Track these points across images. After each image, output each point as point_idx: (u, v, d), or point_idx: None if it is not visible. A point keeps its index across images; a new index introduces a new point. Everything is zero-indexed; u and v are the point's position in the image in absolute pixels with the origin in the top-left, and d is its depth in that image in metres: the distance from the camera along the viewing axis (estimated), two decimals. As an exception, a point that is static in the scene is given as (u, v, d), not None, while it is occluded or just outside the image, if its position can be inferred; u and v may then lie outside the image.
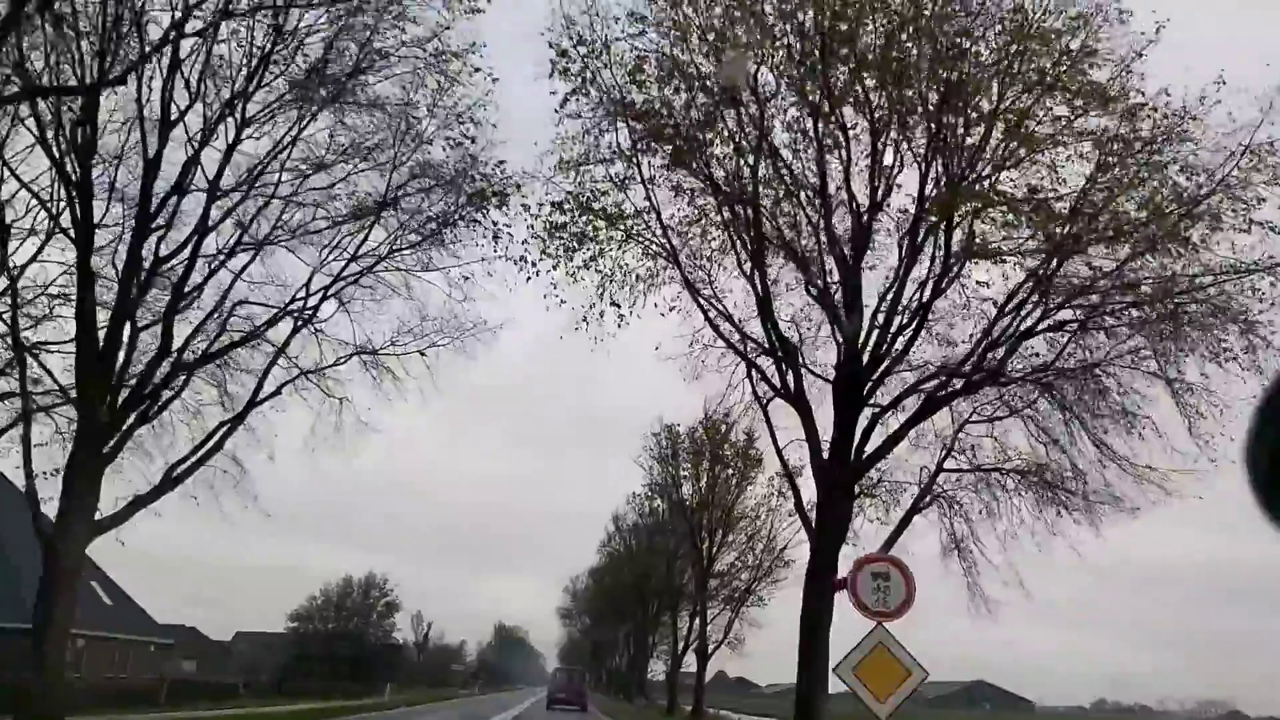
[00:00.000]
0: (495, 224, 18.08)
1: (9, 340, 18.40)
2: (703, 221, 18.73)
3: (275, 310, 18.79)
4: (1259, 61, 13.82)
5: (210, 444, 18.72)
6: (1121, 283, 15.89)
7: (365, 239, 19.79)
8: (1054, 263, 15.89)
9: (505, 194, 18.09)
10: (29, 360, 18.08)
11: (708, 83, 16.82)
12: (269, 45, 17.33)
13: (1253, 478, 1.98)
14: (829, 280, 17.80)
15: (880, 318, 17.88)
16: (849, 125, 16.79)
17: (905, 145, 16.86)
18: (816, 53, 16.15)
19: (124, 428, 18.05)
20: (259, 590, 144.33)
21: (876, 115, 16.57)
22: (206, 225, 17.73)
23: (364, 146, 18.42)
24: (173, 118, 17.94)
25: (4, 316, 18.30)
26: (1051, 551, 18.79)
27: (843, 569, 17.49)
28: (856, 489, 18.04)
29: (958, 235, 16.34)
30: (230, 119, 18.16)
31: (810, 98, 16.53)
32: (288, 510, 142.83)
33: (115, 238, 18.77)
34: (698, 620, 44.50)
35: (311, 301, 19.58)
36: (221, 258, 18.08)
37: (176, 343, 18.40)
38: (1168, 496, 16.43)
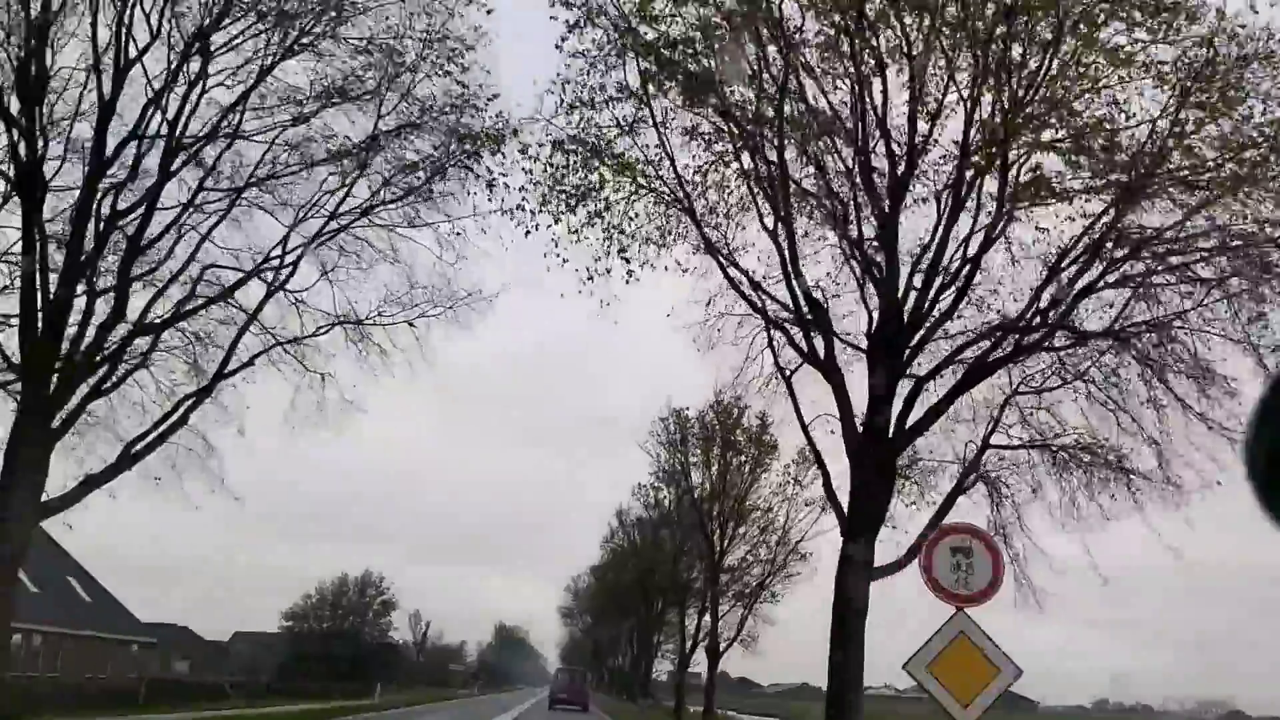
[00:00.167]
0: (490, 171, 16.18)
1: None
2: (720, 171, 16.91)
3: (245, 273, 16.87)
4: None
5: (173, 419, 16.85)
6: (1199, 230, 14.06)
7: (346, 195, 17.96)
8: (1121, 208, 14.03)
9: (500, 137, 16.21)
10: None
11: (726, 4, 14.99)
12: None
13: (1252, 477, 1.98)
14: (864, 232, 16.00)
15: (918, 278, 16.13)
16: (887, 54, 14.94)
17: (950, 79, 15.02)
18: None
19: (77, 401, 16.26)
20: (259, 590, 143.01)
21: (917, 41, 14.72)
22: (167, 172, 15.85)
23: (344, 89, 16.54)
24: (131, 56, 16.13)
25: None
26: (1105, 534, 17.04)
27: (879, 555, 15.70)
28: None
29: (1011, 178, 14.47)
30: (194, 59, 16.34)
31: (844, 21, 14.68)
32: (288, 510, 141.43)
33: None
34: (707, 617, 42.59)
35: (288, 261, 17.71)
36: (183, 205, 16.17)
37: (136, 307, 16.55)
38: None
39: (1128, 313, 14.94)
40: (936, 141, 15.17)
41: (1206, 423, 14.21)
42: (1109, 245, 14.46)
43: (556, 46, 15.93)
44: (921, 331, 15.77)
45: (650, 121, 16.23)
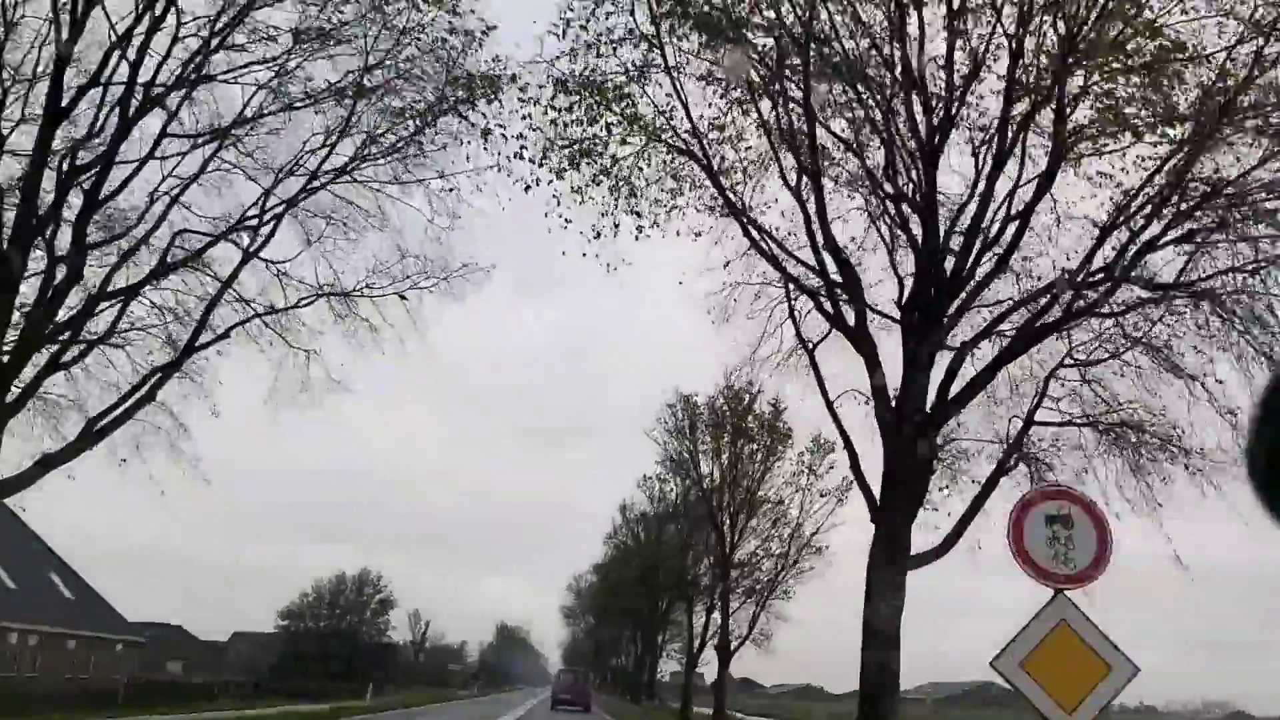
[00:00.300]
0: (485, 117, 14.70)
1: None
2: (737, 122, 15.45)
3: (214, 236, 15.39)
4: None
5: (140, 394, 15.39)
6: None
7: (329, 153, 16.49)
8: (1192, 149, 12.54)
9: (497, 82, 14.74)
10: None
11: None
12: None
13: (1253, 477, 1.97)
14: (899, 188, 14.54)
15: (955, 241, 14.70)
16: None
17: (996, 16, 13.54)
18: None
19: (34, 374, 14.82)
20: (259, 590, 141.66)
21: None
22: (127, 119, 14.37)
23: (326, 31, 15.06)
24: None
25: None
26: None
27: (917, 542, 14.24)
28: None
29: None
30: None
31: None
32: (289, 510, 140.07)
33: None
34: (715, 614, 40.91)
35: (266, 221, 16.24)
36: (144, 156, 14.69)
37: (98, 271, 15.10)
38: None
39: (1190, 270, 13.52)
40: (981, 80, 13.68)
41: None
42: (1174, 196, 13.00)
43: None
44: (962, 296, 14.33)
45: (662, 66, 14.80)
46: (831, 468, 36.84)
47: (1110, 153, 13.64)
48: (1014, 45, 13.49)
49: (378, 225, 17.69)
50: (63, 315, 15.60)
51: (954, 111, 14.20)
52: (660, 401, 39.90)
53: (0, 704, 25.72)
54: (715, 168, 15.05)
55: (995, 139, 14.05)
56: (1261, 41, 12.30)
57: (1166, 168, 12.83)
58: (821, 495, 37.21)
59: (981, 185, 14.31)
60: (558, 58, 14.36)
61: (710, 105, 15.23)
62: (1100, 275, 13.16)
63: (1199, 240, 13.17)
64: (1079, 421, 15.35)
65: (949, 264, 14.34)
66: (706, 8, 14.43)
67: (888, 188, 14.32)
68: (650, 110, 15.26)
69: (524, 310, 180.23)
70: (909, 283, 15.43)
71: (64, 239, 15.35)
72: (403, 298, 18.38)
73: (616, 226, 14.64)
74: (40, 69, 15.42)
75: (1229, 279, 12.85)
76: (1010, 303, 13.93)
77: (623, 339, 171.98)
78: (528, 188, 14.97)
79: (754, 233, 14.99)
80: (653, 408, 41.28)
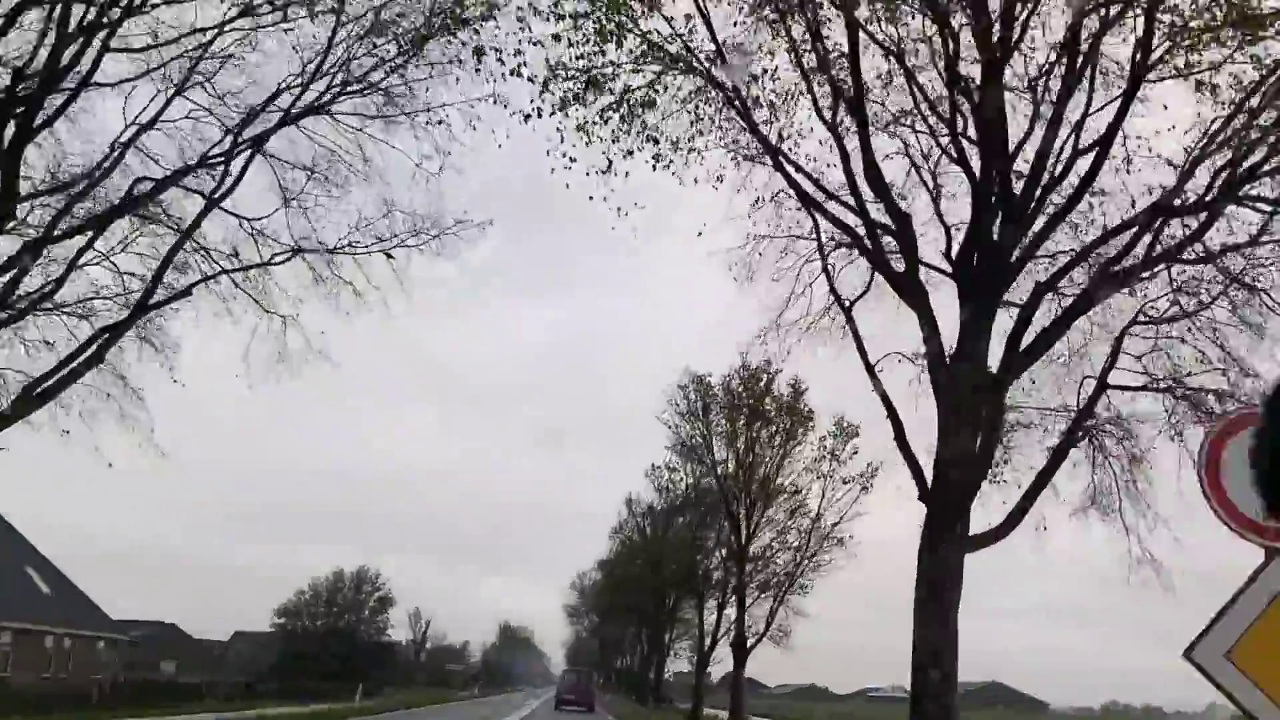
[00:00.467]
0: (478, 35, 12.85)
1: None
2: (765, 45, 13.59)
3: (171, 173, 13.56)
4: None
5: (86, 355, 13.58)
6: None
7: (305, 89, 14.71)
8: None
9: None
10: None
11: None
12: None
13: (1258, 478, 1.88)
14: (955, 124, 12.71)
15: (1014, 183, 12.85)
16: None
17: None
18: None
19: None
20: (260, 589, 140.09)
21: None
22: (65, 29, 12.51)
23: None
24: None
25: None
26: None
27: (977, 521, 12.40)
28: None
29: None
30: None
31: None
32: (290, 509, 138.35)
33: None
34: (728, 610, 38.82)
35: (236, 162, 14.43)
36: (81, 79, 12.84)
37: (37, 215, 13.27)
38: None
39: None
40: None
41: None
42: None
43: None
44: (1027, 238, 12.47)
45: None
46: (855, 453, 35.01)
47: (1200, 72, 11.79)
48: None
49: (361, 174, 15.92)
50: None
51: (1022, 21, 12.32)
52: (671, 384, 37.61)
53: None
54: (744, 94, 13.21)
55: (1066, 56, 12.21)
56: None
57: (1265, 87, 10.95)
58: (845, 482, 35.11)
59: (1053, 109, 12.47)
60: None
61: (735, 24, 13.42)
62: (1194, 204, 11.28)
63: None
64: (1158, 386, 13.51)
65: (1011, 204, 12.51)
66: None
67: (945, 107, 12.44)
68: (666, 30, 13.45)
69: (526, 310, 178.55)
70: (957, 234, 13.68)
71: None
72: (389, 256, 16.61)
73: (630, 154, 12.78)
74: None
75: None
76: (1098, 234, 12.01)
77: (626, 339, 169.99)
78: (527, 117, 13.17)
79: (788, 169, 13.14)
80: (659, 403, 38.59)
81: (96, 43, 12.66)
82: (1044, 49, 12.61)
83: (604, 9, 12.26)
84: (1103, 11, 11.25)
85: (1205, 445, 4.63)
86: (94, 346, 13.64)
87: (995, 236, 12.56)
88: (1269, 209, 11.36)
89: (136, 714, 25.55)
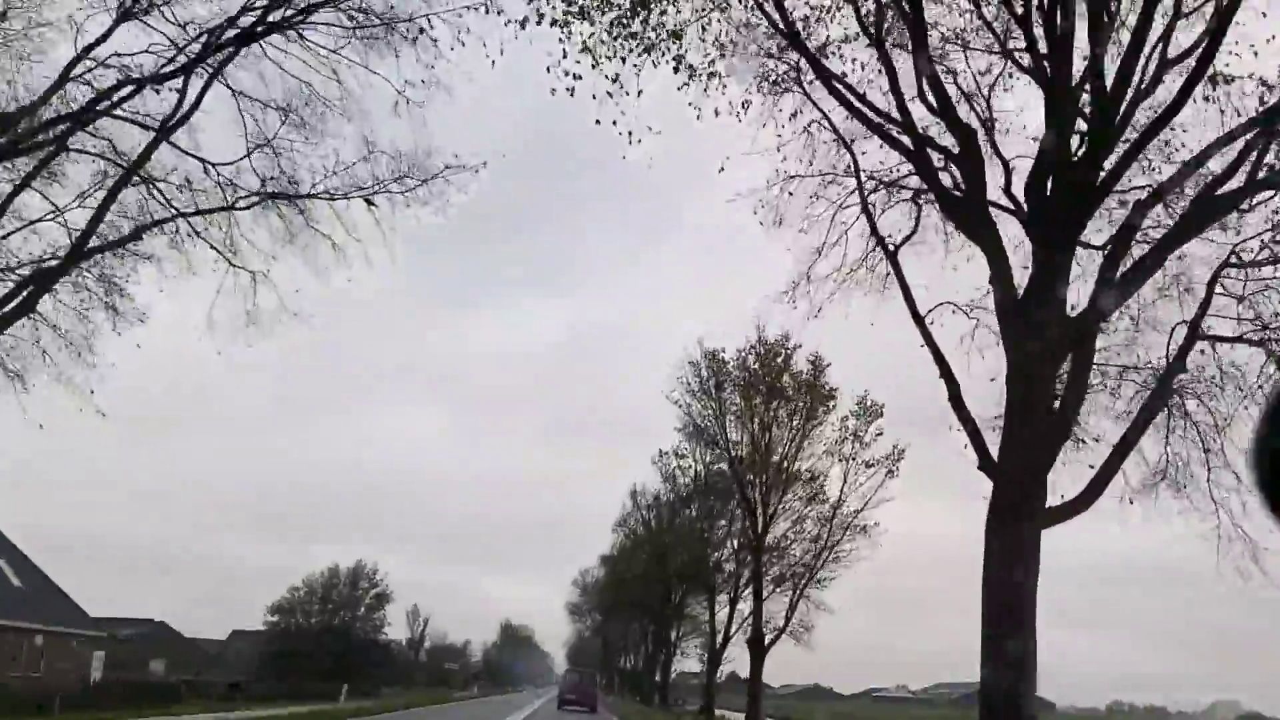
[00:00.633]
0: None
1: None
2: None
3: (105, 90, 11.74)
4: None
5: (15, 302, 11.74)
6: None
7: (272, 5, 12.88)
8: None
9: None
10: None
11: None
12: None
13: (1259, 480, 1.94)
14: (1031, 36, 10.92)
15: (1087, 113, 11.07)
16: None
17: None
18: None
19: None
20: (259, 588, 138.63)
21: None
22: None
23: None
24: None
25: None
26: None
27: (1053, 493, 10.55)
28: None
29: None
30: None
31: None
32: (290, 508, 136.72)
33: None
34: (741, 604, 36.65)
35: (192, 93, 12.59)
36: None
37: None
38: None
39: None
40: None
41: None
42: None
43: None
44: (1111, 162, 10.62)
45: None
46: (880, 434, 32.91)
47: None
48: None
49: (338, 108, 14.12)
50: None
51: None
52: (684, 361, 34.86)
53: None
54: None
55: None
56: None
57: None
58: (868, 466, 32.89)
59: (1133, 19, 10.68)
60: None
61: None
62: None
63: None
64: (1253, 338, 11.66)
65: (1097, 117, 10.70)
66: None
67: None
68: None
69: (532, 308, 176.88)
70: (1017, 167, 11.90)
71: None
72: (370, 204, 14.80)
73: (647, 64, 10.95)
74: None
75: None
76: (1205, 147, 10.15)
77: (633, 337, 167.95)
78: (524, 23, 11.37)
79: (833, 85, 11.32)
80: (668, 394, 35.77)
81: None
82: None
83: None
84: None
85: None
86: (24, 293, 11.81)
87: (1072, 165, 10.76)
88: None
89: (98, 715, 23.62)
